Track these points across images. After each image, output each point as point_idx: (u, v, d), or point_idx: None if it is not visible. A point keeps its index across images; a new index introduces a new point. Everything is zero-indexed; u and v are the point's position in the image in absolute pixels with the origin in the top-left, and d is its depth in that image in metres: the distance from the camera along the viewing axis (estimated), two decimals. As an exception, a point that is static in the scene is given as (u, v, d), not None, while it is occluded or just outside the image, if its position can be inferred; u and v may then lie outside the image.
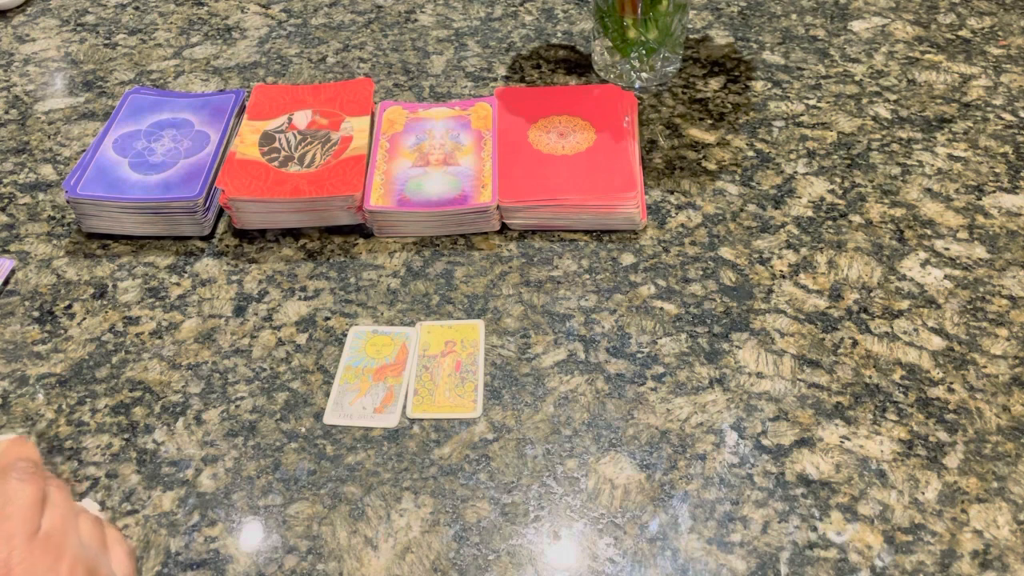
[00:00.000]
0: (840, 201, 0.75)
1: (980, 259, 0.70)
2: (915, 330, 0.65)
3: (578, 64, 0.91)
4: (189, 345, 0.66)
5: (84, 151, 0.81)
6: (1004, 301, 0.67)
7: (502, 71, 0.91)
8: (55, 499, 0.46)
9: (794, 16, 0.97)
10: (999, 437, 0.59)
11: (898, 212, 0.74)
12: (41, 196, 0.79)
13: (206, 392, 0.63)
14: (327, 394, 0.63)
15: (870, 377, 0.62)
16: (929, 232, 0.72)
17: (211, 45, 0.97)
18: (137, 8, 1.04)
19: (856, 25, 0.95)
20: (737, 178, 0.78)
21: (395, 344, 0.65)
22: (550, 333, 0.66)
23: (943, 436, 0.59)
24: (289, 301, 0.69)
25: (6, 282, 0.72)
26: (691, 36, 0.94)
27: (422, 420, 0.61)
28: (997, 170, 0.78)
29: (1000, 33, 0.94)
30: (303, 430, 0.61)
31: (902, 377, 0.62)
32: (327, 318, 0.68)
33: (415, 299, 0.69)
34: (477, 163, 0.76)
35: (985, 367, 0.63)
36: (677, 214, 0.75)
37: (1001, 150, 0.80)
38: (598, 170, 0.74)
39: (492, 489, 0.57)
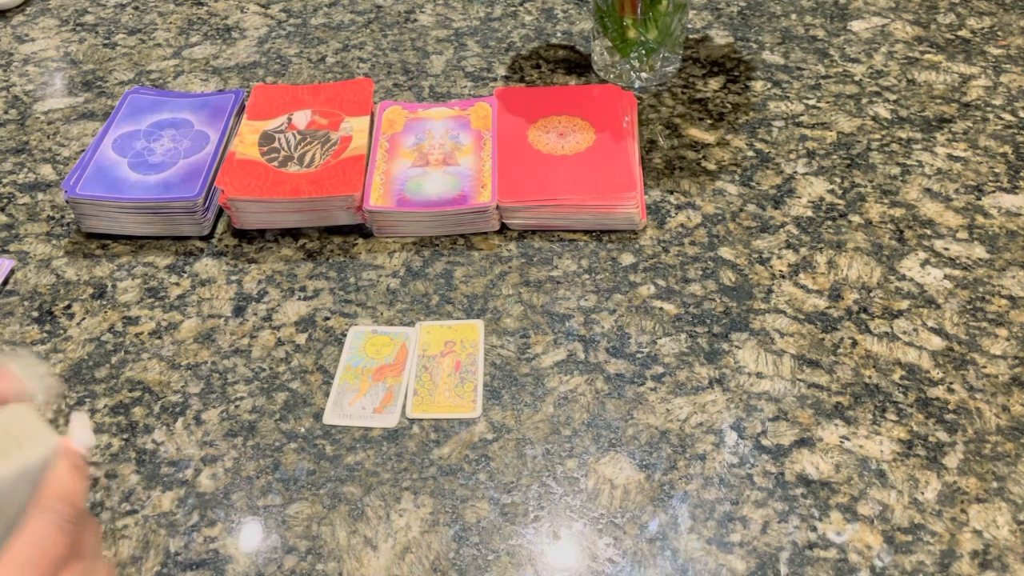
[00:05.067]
0: (840, 201, 0.75)
1: (980, 259, 0.70)
2: (915, 330, 0.65)
3: (578, 64, 0.91)
4: (188, 345, 0.66)
5: (83, 151, 0.81)
6: (1004, 301, 0.67)
7: (502, 71, 0.91)
8: (78, 558, 0.42)
9: (794, 16, 0.97)
10: (999, 437, 0.59)
11: (898, 212, 0.74)
12: (40, 196, 0.79)
13: (205, 392, 0.63)
14: (326, 394, 0.63)
15: (870, 377, 0.62)
16: (929, 232, 0.72)
17: (210, 45, 0.97)
18: (136, 8, 1.04)
19: (856, 25, 0.95)
20: (737, 178, 0.78)
21: (395, 344, 0.65)
22: (550, 333, 0.66)
23: (943, 436, 0.59)
24: (288, 301, 0.69)
25: (5, 282, 0.72)
26: (691, 36, 0.94)
27: (421, 420, 0.61)
28: (997, 170, 0.78)
29: (1000, 33, 0.94)
30: (302, 430, 0.61)
31: (902, 377, 0.62)
32: (326, 318, 0.68)
33: (415, 299, 0.69)
34: (477, 163, 0.76)
35: (985, 367, 0.63)
36: (677, 214, 0.75)
37: (1001, 150, 0.80)
38: (598, 170, 0.74)
39: (492, 489, 0.57)
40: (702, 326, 0.66)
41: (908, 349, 0.64)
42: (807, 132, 0.82)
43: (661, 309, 0.67)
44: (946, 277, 0.69)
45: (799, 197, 0.76)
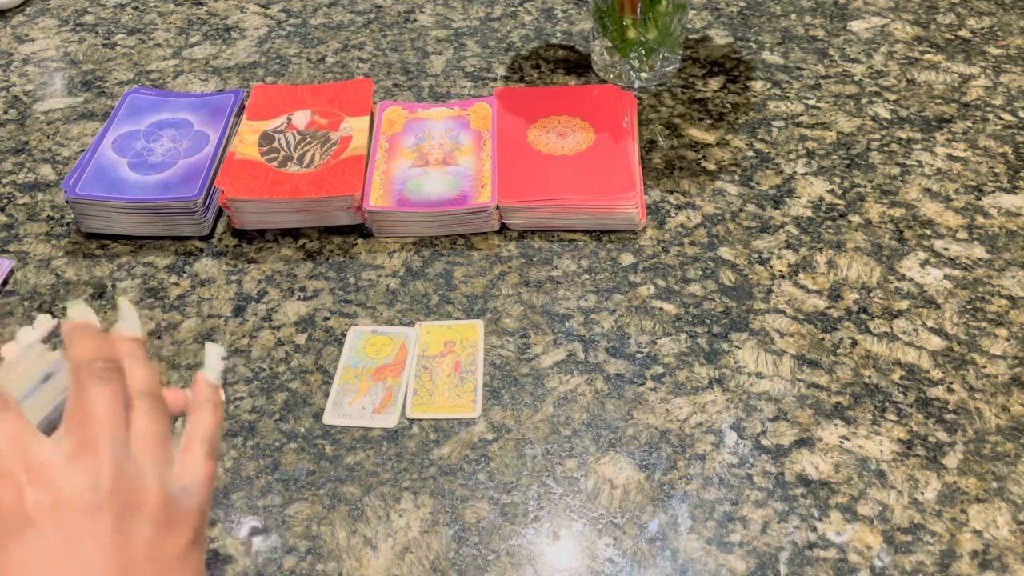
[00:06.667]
0: (839, 201, 0.75)
1: (979, 259, 0.70)
2: (914, 330, 0.65)
3: (578, 64, 0.91)
4: (188, 345, 0.66)
5: (83, 151, 0.81)
6: (1003, 301, 0.67)
7: (501, 71, 0.91)
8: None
9: (794, 16, 0.97)
10: (998, 437, 0.59)
11: (897, 212, 0.74)
12: (40, 196, 0.79)
13: (205, 392, 0.63)
14: (326, 394, 0.63)
15: (869, 377, 0.62)
16: (928, 232, 0.72)
17: (210, 45, 0.97)
18: (136, 8, 1.04)
19: (856, 25, 0.95)
20: (736, 178, 0.78)
21: (394, 344, 0.65)
22: (549, 333, 0.66)
23: (943, 436, 0.59)
24: (288, 301, 0.69)
25: (5, 282, 0.72)
26: (691, 36, 0.94)
27: (421, 420, 0.61)
28: (996, 170, 0.78)
29: (1000, 33, 0.94)
30: (302, 430, 0.61)
31: (901, 377, 0.62)
32: (326, 318, 0.68)
33: (414, 299, 0.69)
34: (476, 163, 0.76)
35: (984, 367, 0.63)
36: (676, 214, 0.75)
37: (1000, 150, 0.80)
38: (597, 170, 0.74)
39: (491, 489, 0.57)
40: (702, 326, 0.66)
41: (908, 349, 0.64)
42: (807, 132, 0.82)
43: (661, 309, 0.67)
44: (946, 277, 0.69)
45: (799, 197, 0.76)
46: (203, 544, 0.43)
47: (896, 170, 0.78)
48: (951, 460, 0.58)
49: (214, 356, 0.49)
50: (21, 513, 0.38)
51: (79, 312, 0.46)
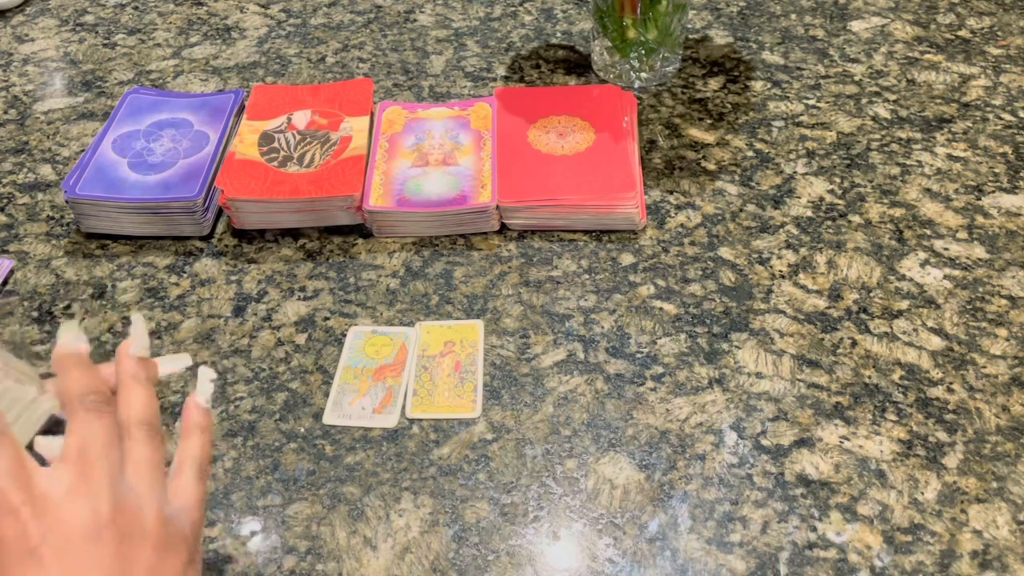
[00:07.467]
0: (839, 201, 0.75)
1: (979, 259, 0.70)
2: (914, 330, 0.65)
3: (578, 64, 0.91)
4: (188, 345, 0.66)
5: (83, 151, 0.81)
6: (1003, 301, 0.67)
7: (501, 71, 0.91)
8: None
9: (794, 16, 0.97)
10: (998, 437, 0.59)
11: (897, 212, 0.74)
12: (40, 196, 0.79)
13: (205, 392, 0.63)
14: (326, 394, 0.63)
15: (869, 377, 0.62)
16: (928, 232, 0.72)
17: (210, 45, 0.97)
18: (136, 8, 1.04)
19: (855, 25, 0.95)
20: (736, 178, 0.78)
21: (394, 344, 0.65)
22: (549, 333, 0.66)
23: (942, 436, 0.59)
24: (288, 301, 0.69)
25: (5, 282, 0.72)
26: (690, 36, 0.94)
27: (421, 420, 0.61)
28: (996, 170, 0.78)
29: (999, 33, 0.94)
30: (302, 430, 0.61)
31: (901, 377, 0.62)
32: (326, 318, 0.68)
33: (414, 299, 0.69)
34: (476, 163, 0.76)
35: (984, 367, 0.63)
36: (676, 214, 0.75)
37: (1000, 150, 0.80)
38: (597, 170, 0.74)
39: (491, 489, 0.57)
40: (702, 326, 0.66)
41: (908, 349, 0.64)
42: (807, 132, 0.82)
43: (661, 309, 0.67)
44: (946, 277, 0.69)
45: (799, 197, 0.76)
46: (198, 563, 0.44)
47: (896, 170, 0.78)
48: (951, 460, 0.58)
49: (205, 379, 0.49)
50: (25, 546, 0.39)
51: (70, 337, 0.46)
